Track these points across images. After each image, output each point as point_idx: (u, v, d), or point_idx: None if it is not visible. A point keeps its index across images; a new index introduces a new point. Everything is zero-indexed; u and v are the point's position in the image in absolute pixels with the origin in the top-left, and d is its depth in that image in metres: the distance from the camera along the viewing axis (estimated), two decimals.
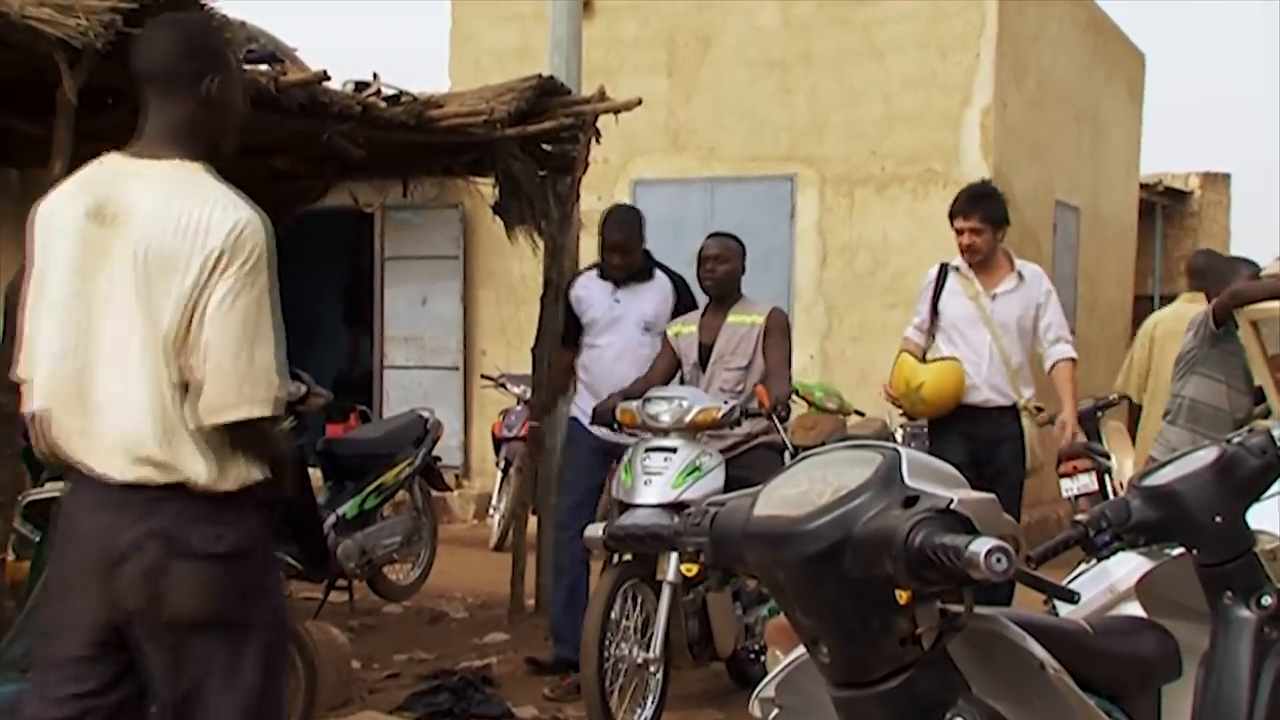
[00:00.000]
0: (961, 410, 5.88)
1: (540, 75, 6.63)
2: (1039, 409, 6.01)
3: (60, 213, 2.80)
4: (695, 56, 10.93)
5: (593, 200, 9.93)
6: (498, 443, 9.80)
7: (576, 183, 6.92)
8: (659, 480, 5.08)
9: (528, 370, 7.58)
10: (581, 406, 6.07)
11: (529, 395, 8.25)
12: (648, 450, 5.21)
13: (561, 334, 6.33)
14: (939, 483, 1.75)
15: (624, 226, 6.03)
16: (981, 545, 1.54)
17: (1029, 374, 6.05)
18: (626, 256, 6.01)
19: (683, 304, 6.04)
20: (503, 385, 9.74)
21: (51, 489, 3.24)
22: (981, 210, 5.91)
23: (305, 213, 7.81)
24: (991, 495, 1.73)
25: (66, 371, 2.72)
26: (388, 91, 6.11)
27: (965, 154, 10.03)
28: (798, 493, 1.80)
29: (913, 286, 10.22)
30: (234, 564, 2.71)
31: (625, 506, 5.12)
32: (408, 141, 6.34)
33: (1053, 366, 6.05)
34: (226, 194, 2.73)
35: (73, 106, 4.34)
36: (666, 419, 5.26)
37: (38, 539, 3.61)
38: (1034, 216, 10.86)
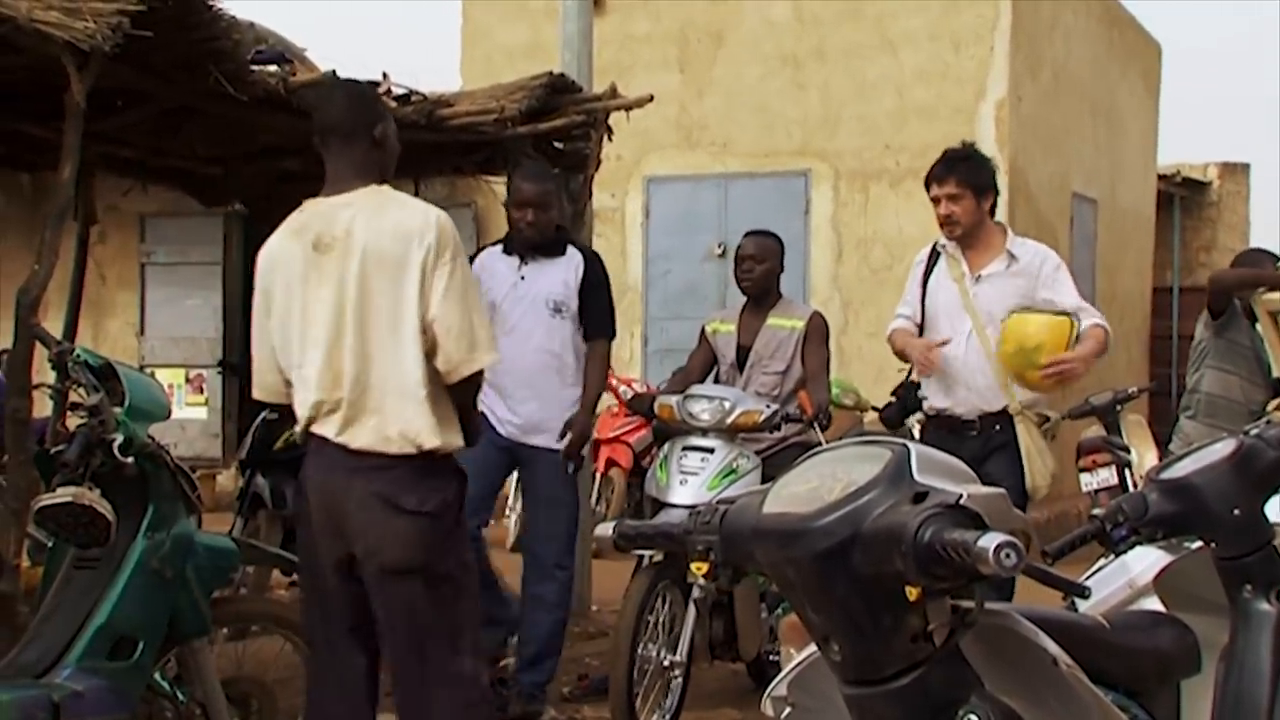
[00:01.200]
0: (938, 420, 4.92)
1: (551, 73, 6.61)
2: (1044, 418, 4.93)
3: (284, 251, 3.60)
4: (707, 52, 10.90)
5: (605, 198, 9.93)
6: None
7: (589, 180, 6.89)
8: (695, 481, 5.04)
9: None
10: (486, 403, 4.84)
11: None
12: (684, 449, 5.17)
13: None
14: (948, 478, 1.72)
15: (540, 179, 5.27)
16: (990, 540, 1.52)
17: None
18: (541, 214, 5.16)
19: (593, 279, 5.27)
20: None
21: (63, 494, 3.24)
22: (958, 173, 4.87)
23: None
24: (1001, 490, 1.70)
25: (328, 367, 3.47)
26: (398, 91, 6.09)
27: (980, 147, 9.97)
28: (807, 489, 1.78)
29: None
30: (437, 521, 3.48)
31: (659, 505, 5.09)
32: (418, 140, 6.31)
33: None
34: (418, 202, 3.63)
35: (81, 109, 4.33)
36: (706, 418, 5.21)
37: (50, 544, 3.60)
38: (1050, 209, 10.80)
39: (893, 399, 5.36)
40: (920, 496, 1.67)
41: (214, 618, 3.86)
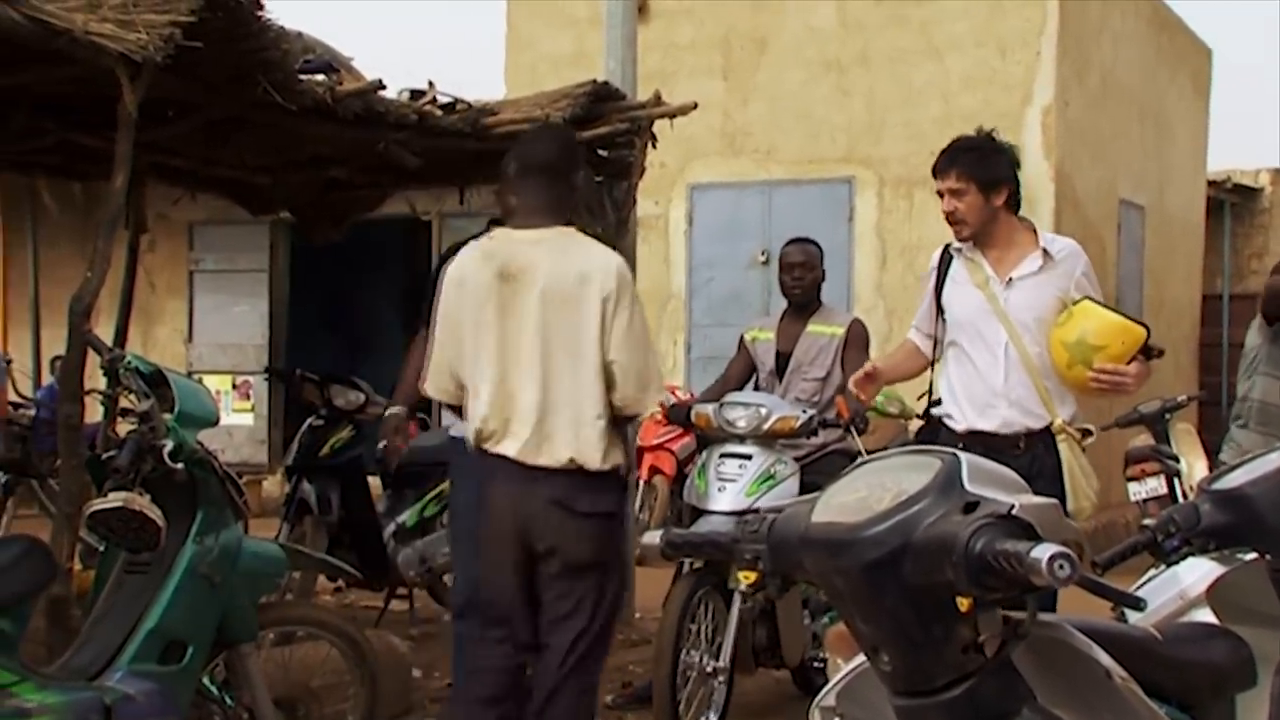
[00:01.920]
0: (974, 437, 4.20)
1: (596, 80, 6.62)
2: (1085, 432, 4.37)
3: (471, 276, 3.96)
4: (751, 59, 10.89)
5: (649, 205, 9.94)
6: None
7: (633, 188, 6.90)
8: (733, 487, 5.04)
9: None
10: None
11: None
12: (722, 456, 5.17)
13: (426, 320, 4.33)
14: (1000, 488, 1.71)
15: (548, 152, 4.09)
16: (1044, 551, 1.51)
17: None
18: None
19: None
20: None
21: (114, 499, 3.27)
22: (960, 165, 4.22)
23: (362, 221, 7.87)
24: (1053, 500, 1.68)
25: (500, 388, 3.87)
26: (443, 99, 6.12)
27: (1027, 153, 9.91)
28: (856, 499, 1.77)
29: None
30: (609, 521, 3.95)
31: (698, 512, 5.09)
32: (464, 149, 6.35)
33: None
34: (600, 246, 4.03)
35: (133, 119, 4.38)
36: (743, 425, 5.21)
37: (102, 549, 3.64)
38: (1097, 215, 10.71)
39: (923, 421, 4.65)
40: (971, 506, 1.66)
41: (261, 623, 3.89)
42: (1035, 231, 4.40)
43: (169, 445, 3.41)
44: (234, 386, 11.72)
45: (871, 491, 1.76)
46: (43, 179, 7.67)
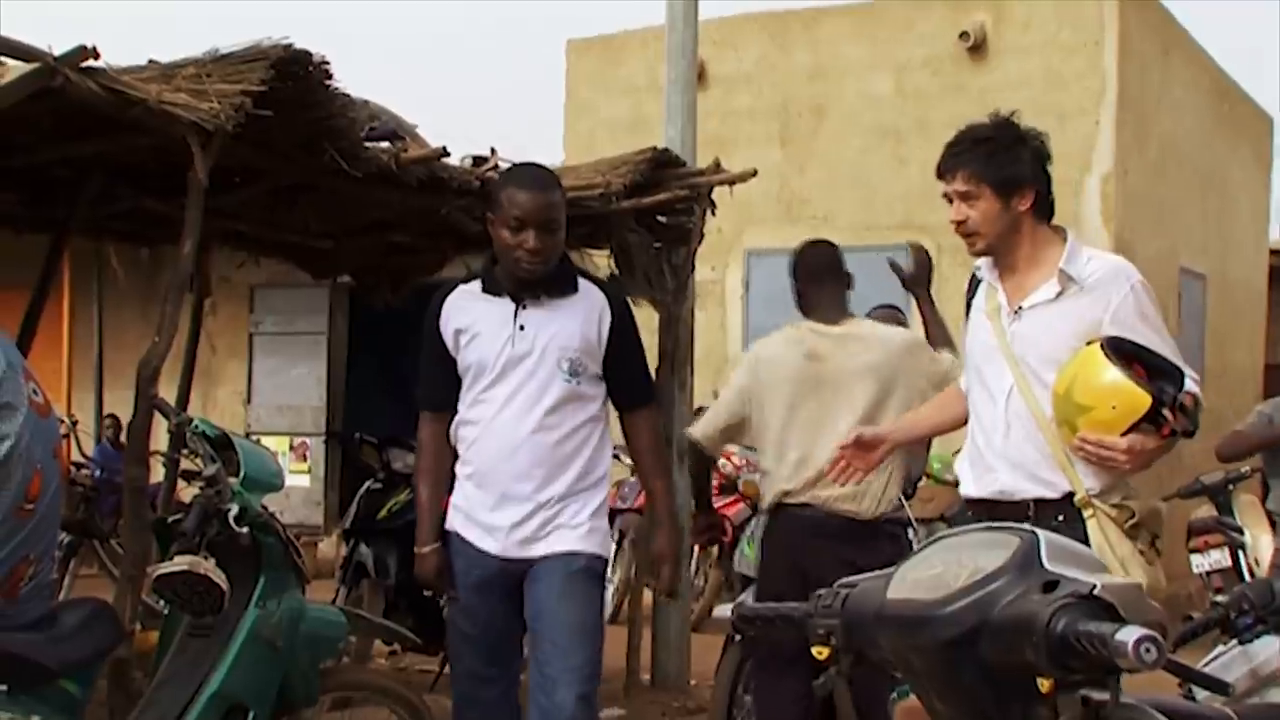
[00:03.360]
0: (977, 506, 3.49)
1: (655, 148, 6.68)
2: (1128, 512, 3.32)
3: (779, 355, 4.54)
4: (808, 126, 10.94)
5: (705, 271, 9.96)
6: (612, 514, 9.76)
7: (692, 254, 6.93)
8: None
9: None
10: (464, 509, 3.79)
11: None
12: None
13: (432, 394, 3.89)
14: (1080, 567, 1.69)
15: (542, 186, 3.67)
16: (1130, 634, 1.48)
17: None
18: (546, 237, 3.62)
19: (623, 326, 3.83)
20: (616, 457, 9.70)
21: (180, 563, 3.30)
22: (968, 163, 3.39)
23: (422, 285, 7.93)
24: (1137, 581, 1.66)
25: (799, 456, 4.40)
26: (504, 165, 6.19)
27: (1085, 221, 9.86)
28: (932, 575, 1.76)
29: None
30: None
31: (748, 581, 5.04)
32: None
33: None
34: (878, 339, 4.52)
35: (203, 186, 4.46)
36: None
37: (166, 611, 3.66)
38: (1158, 284, 10.58)
39: None
40: (1051, 585, 1.64)
41: (320, 687, 3.88)
42: (1065, 244, 3.42)
43: (234, 509, 3.44)
44: (291, 448, 11.79)
45: (947, 568, 1.75)
46: (111, 244, 7.81)
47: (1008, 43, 10.27)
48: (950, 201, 3.45)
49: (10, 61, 4.29)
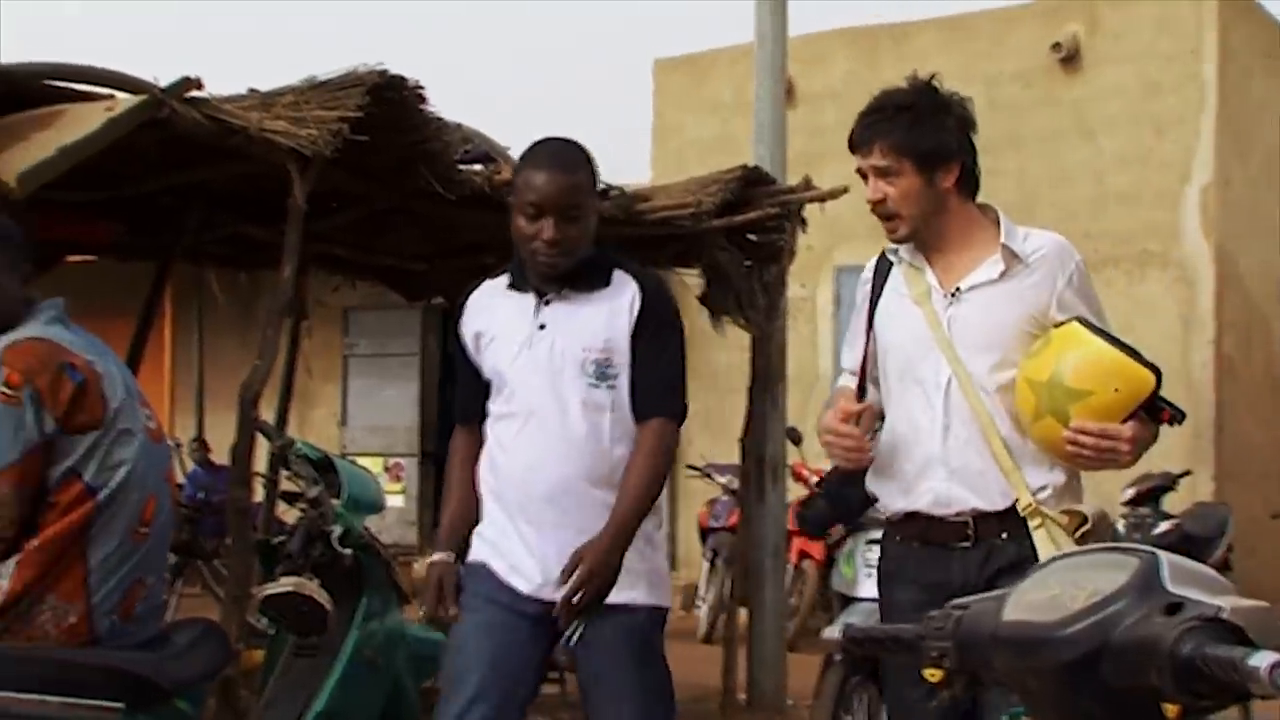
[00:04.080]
0: (905, 526, 3.04)
1: (745, 166, 6.67)
2: (1079, 519, 2.93)
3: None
4: None
5: (796, 288, 9.92)
6: (704, 533, 9.76)
7: (783, 272, 6.91)
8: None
9: (733, 460, 7.54)
10: (490, 539, 3.20)
11: (735, 485, 8.23)
12: (869, 542, 5.10)
13: (463, 404, 3.36)
14: (1204, 589, 1.64)
15: (563, 167, 3.11)
16: (1263, 659, 1.44)
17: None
18: (568, 229, 3.07)
19: (654, 319, 3.18)
20: (708, 475, 9.71)
21: (286, 584, 3.35)
22: (886, 134, 2.97)
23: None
24: (1265, 604, 1.61)
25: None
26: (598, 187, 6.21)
27: (1185, 233, 9.69)
28: (1048, 596, 1.72)
29: None
30: None
31: (846, 599, 5.01)
32: (617, 234, 6.43)
33: None
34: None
35: (303, 211, 4.54)
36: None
37: (272, 632, 3.72)
38: (1261, 295, 10.39)
39: (816, 491, 3.43)
40: (1174, 607, 1.59)
41: (421, 706, 3.92)
42: (999, 222, 3.02)
43: (337, 531, 3.48)
44: (385, 469, 11.94)
45: (1064, 589, 1.71)
46: (211, 269, 7.97)
47: (1101, 53, 10.13)
48: (865, 179, 3.00)
49: (119, 94, 4.41)
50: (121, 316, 6.83)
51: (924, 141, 2.95)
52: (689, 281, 7.16)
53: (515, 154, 6.32)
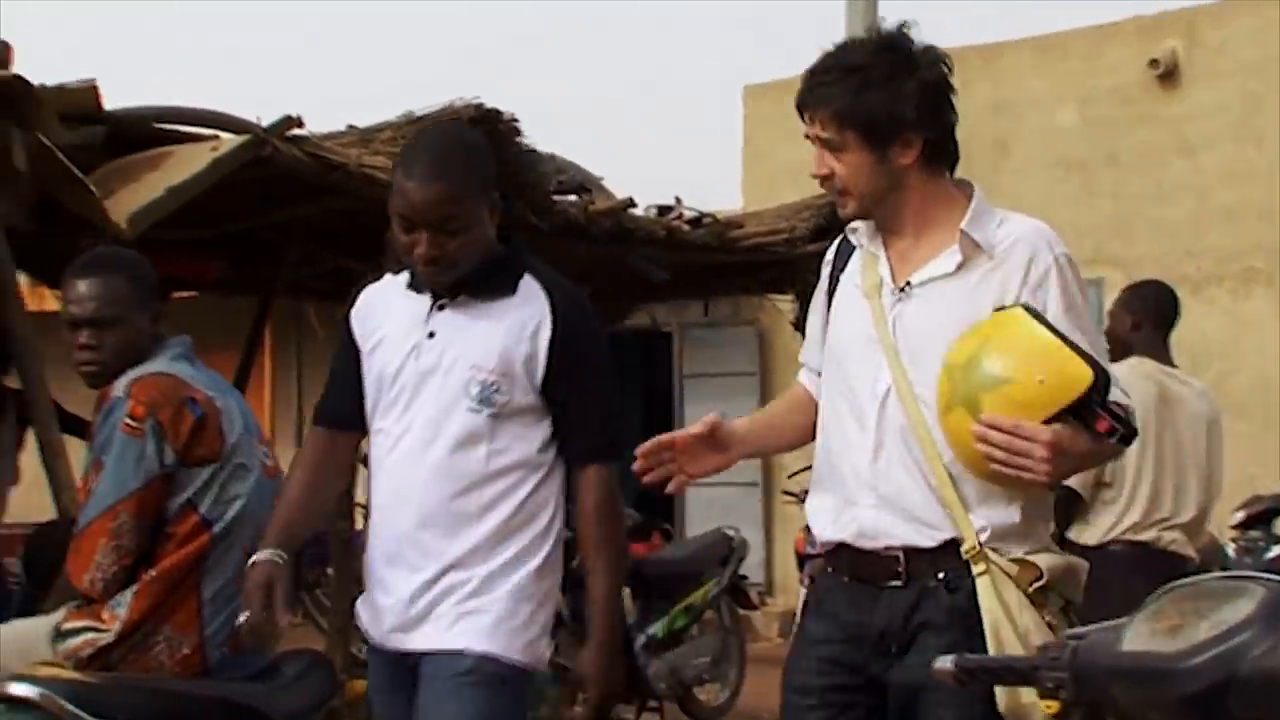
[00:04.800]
0: (835, 557, 2.58)
1: None
2: (1027, 563, 2.41)
3: (1137, 390, 3.55)
4: (991, 161, 10.75)
5: None
6: (801, 559, 9.68)
7: None
8: None
9: None
10: (372, 569, 2.86)
11: None
12: None
13: (325, 403, 2.98)
14: None
15: (439, 173, 2.65)
16: None
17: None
18: (446, 244, 2.65)
19: (573, 344, 2.75)
20: (804, 502, 9.64)
21: None
22: (829, 101, 2.49)
23: (607, 333, 8.02)
24: None
25: (1149, 492, 4.49)
26: (689, 214, 6.24)
27: None
28: (1169, 626, 1.69)
29: (1236, 391, 9.65)
30: None
31: None
32: (710, 262, 6.45)
33: None
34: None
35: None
36: None
37: None
38: None
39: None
40: None
41: None
42: (968, 205, 2.50)
43: None
44: None
45: (1185, 619, 1.68)
46: (311, 303, 8.10)
47: (1201, 68, 9.95)
48: (815, 145, 2.52)
49: (223, 135, 4.52)
50: (224, 351, 6.97)
51: (872, 110, 2.43)
52: (782, 307, 7.14)
53: (608, 183, 6.40)
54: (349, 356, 2.87)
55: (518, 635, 2.73)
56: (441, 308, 2.75)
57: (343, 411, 2.89)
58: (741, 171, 11.88)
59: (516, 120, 4.87)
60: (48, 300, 6.25)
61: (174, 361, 3.16)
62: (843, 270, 2.64)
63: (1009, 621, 2.33)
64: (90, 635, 3.03)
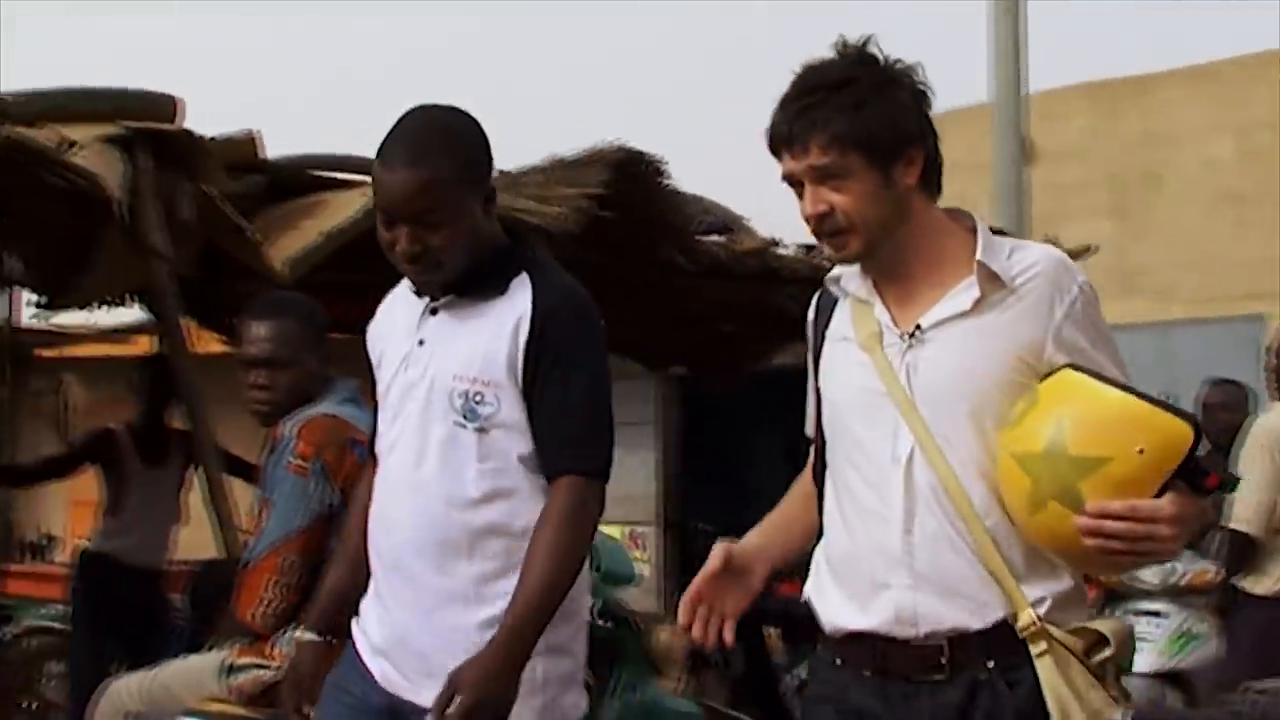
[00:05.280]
0: (853, 648, 2.20)
1: (990, 227, 6.56)
2: (1086, 631, 2.12)
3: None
4: (1143, 196, 10.52)
5: None
6: None
7: None
8: (1148, 647, 4.86)
9: None
10: (367, 595, 2.57)
11: None
12: (1132, 613, 5.02)
13: (372, 437, 2.69)
14: None
15: (417, 159, 2.38)
16: None
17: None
18: (428, 239, 2.37)
19: (552, 343, 2.42)
20: None
21: None
22: (827, 125, 2.14)
23: (751, 373, 8.00)
24: None
25: None
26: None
27: None
28: None
29: None
30: None
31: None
32: None
33: None
34: None
35: None
36: (1155, 580, 5.05)
37: None
38: None
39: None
40: None
41: None
42: (975, 234, 2.21)
43: (597, 604, 3.51)
44: (629, 537, 12.05)
45: None
46: None
47: None
48: (796, 189, 2.19)
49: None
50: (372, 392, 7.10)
51: (874, 126, 2.14)
52: None
53: (753, 223, 6.39)
54: (371, 376, 2.62)
55: (528, 700, 2.34)
56: (434, 313, 2.48)
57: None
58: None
59: (661, 162, 4.90)
60: (213, 344, 6.44)
61: (341, 404, 3.24)
62: (827, 326, 2.31)
63: (1078, 706, 2.04)
64: (257, 672, 3.11)
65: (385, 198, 2.38)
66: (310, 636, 2.59)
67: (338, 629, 2.56)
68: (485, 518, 2.39)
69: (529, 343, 2.38)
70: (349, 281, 5.34)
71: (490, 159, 2.50)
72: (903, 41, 2.28)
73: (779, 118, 2.17)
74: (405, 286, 2.57)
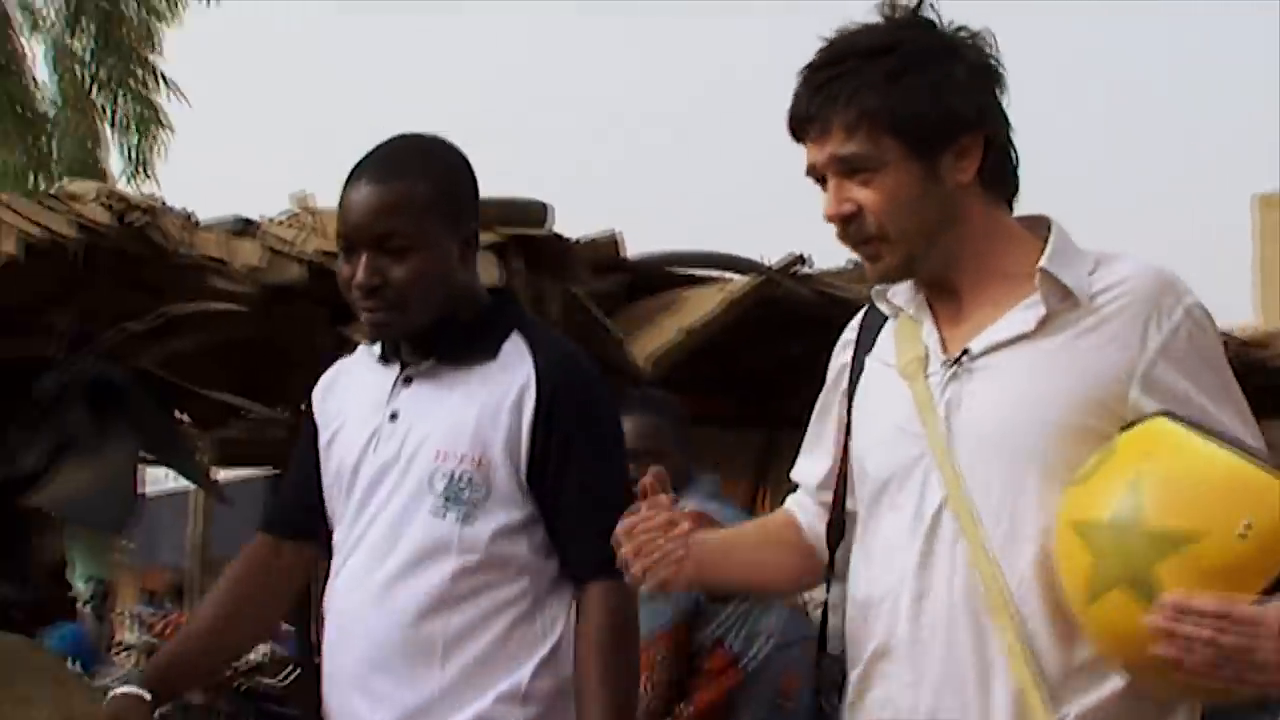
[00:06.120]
0: None
1: None
2: None
3: None
4: None
5: None
6: None
7: None
8: None
9: None
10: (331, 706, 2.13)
11: None
12: None
13: (274, 506, 2.60)
14: None
15: (386, 175, 2.04)
16: None
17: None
18: (390, 270, 2.01)
19: (568, 419, 2.02)
20: None
21: None
22: (852, 103, 1.66)
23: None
24: None
25: None
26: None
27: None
28: None
29: None
30: None
31: None
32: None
33: None
34: None
35: None
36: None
37: None
38: None
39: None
40: None
41: None
42: (1046, 242, 1.72)
43: None
44: None
45: None
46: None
47: None
48: (820, 183, 1.74)
49: (731, 275, 4.73)
50: (727, 483, 7.19)
51: (915, 101, 1.67)
52: None
53: None
54: (307, 446, 2.21)
55: None
56: (409, 381, 2.08)
57: (290, 515, 2.25)
58: (1256, 286, 11.15)
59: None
60: None
61: (706, 500, 3.28)
62: (869, 350, 1.85)
63: None
64: None
65: (344, 219, 2.03)
66: (128, 690, 2.14)
67: (164, 689, 2.19)
68: (465, 618, 2.00)
69: (536, 421, 1.99)
70: (706, 375, 5.47)
71: (475, 200, 2.11)
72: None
73: (799, 92, 1.73)
74: (365, 352, 2.18)
